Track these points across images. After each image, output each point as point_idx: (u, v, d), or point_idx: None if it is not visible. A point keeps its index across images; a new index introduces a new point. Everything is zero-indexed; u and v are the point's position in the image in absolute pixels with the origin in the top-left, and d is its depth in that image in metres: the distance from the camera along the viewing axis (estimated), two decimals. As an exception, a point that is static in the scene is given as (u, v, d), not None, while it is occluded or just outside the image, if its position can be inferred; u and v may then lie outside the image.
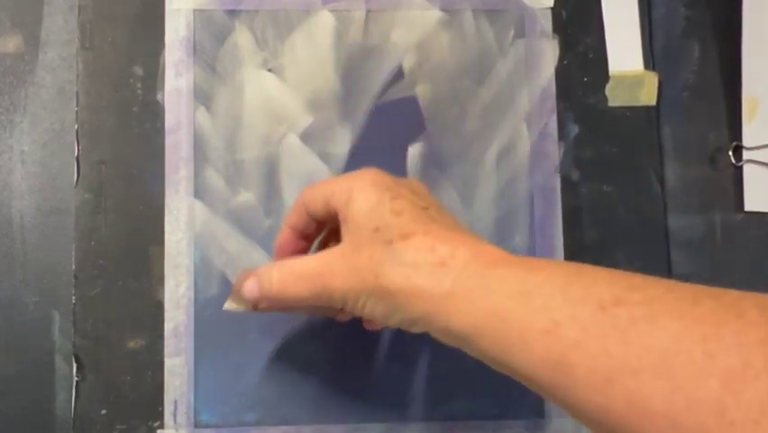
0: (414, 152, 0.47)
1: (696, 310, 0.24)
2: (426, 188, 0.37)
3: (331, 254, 0.34)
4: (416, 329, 0.32)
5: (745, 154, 0.49)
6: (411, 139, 0.47)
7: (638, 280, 0.27)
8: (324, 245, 0.40)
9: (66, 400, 0.44)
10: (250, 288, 0.36)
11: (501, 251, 0.31)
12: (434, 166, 0.47)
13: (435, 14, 0.48)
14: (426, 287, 0.30)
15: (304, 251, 0.39)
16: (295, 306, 0.37)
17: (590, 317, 0.25)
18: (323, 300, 0.34)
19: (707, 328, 0.23)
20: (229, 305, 0.40)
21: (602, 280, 0.26)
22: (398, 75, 0.48)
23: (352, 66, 0.48)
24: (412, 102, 0.47)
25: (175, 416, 0.44)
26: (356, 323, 0.44)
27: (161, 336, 0.45)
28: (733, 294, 0.25)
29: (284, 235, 0.39)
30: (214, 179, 0.46)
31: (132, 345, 0.45)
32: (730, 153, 0.49)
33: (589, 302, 0.25)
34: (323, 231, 0.40)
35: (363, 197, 0.33)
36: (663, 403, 0.23)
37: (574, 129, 0.48)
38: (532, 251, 0.47)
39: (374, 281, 0.32)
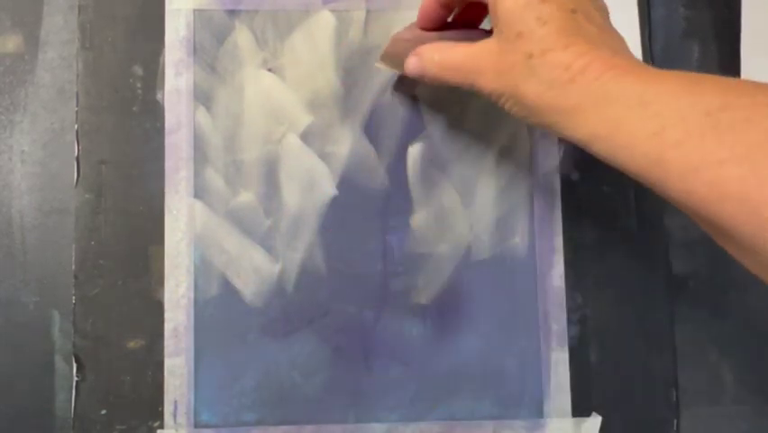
0: (414, 151, 0.47)
1: None
2: None
3: (481, 52, 0.37)
4: (551, 132, 0.36)
5: (745, 155, 0.49)
6: (411, 139, 0.47)
7: (750, 87, 0.29)
8: (462, 15, 0.43)
9: (66, 400, 0.44)
10: (414, 65, 0.41)
11: (632, 61, 0.33)
12: (434, 166, 0.47)
13: (435, 15, 0.48)
14: (556, 102, 0.33)
15: (444, 18, 0.42)
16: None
17: (696, 121, 0.28)
18: (474, 90, 0.38)
19: None
20: (381, 64, 0.45)
21: (716, 88, 0.29)
22: (398, 75, 0.48)
23: (351, 66, 0.48)
24: (412, 102, 0.47)
25: (175, 416, 0.44)
26: (356, 323, 0.45)
27: (161, 336, 0.45)
28: None
29: (426, 5, 0.42)
30: (214, 179, 0.46)
31: (132, 345, 0.45)
32: (729, 154, 0.49)
33: (698, 108, 0.28)
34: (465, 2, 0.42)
35: None
36: (739, 185, 0.27)
37: (574, 129, 0.48)
38: (532, 251, 0.47)
39: (514, 89, 0.35)
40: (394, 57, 0.44)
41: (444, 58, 0.39)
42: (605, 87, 0.31)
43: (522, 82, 0.35)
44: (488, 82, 0.37)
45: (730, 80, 0.30)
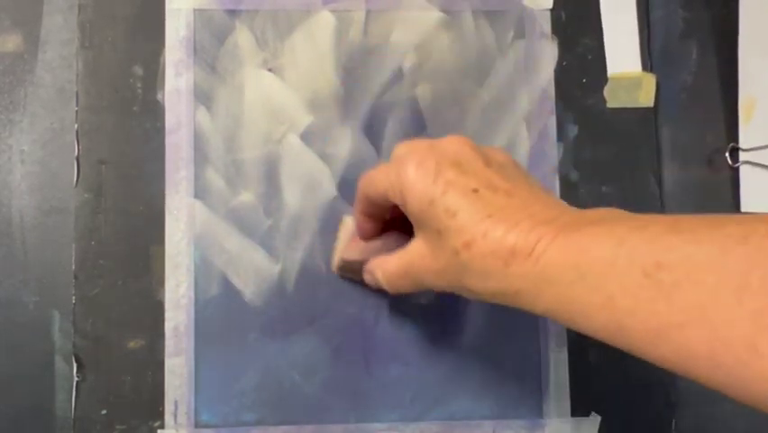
0: (414, 152, 0.47)
1: (727, 260, 0.27)
2: (466, 142, 0.36)
3: (415, 257, 0.36)
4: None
5: (742, 156, 0.49)
6: (411, 139, 0.47)
7: (671, 239, 0.29)
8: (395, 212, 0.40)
9: (66, 400, 0.44)
10: (372, 283, 0.42)
11: (551, 211, 0.33)
12: (434, 166, 0.47)
13: (435, 15, 0.48)
14: (501, 288, 0.33)
15: (378, 228, 0.42)
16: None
17: (638, 286, 0.28)
18: (427, 288, 0.38)
19: (738, 279, 0.26)
20: (340, 273, 0.46)
21: (642, 246, 0.29)
22: (398, 75, 0.48)
23: (352, 66, 0.48)
24: (412, 102, 0.48)
25: (175, 416, 0.44)
26: (356, 323, 0.45)
27: (161, 336, 0.45)
28: (747, 229, 0.27)
29: (357, 220, 0.42)
30: (214, 179, 0.46)
31: (132, 345, 0.45)
32: (727, 155, 0.49)
33: (634, 271, 0.28)
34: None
35: (415, 199, 0.35)
36: (705, 348, 0.27)
37: (573, 130, 0.48)
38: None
39: (459, 284, 0.35)
40: (348, 272, 0.45)
41: (386, 271, 0.39)
42: (540, 269, 0.31)
43: (461, 278, 0.34)
44: (434, 281, 0.36)
45: (647, 231, 0.29)
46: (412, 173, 0.35)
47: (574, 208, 0.34)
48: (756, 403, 0.27)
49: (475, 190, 0.34)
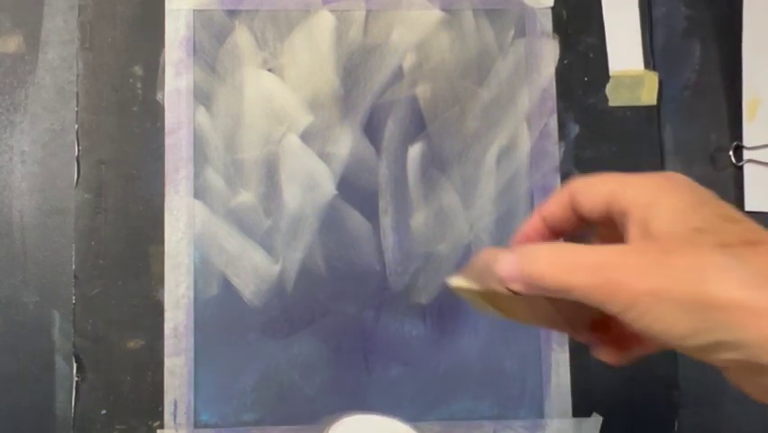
0: (414, 152, 0.47)
1: None
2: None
3: (627, 248, 0.27)
4: (723, 357, 0.25)
5: (746, 154, 0.48)
6: (411, 139, 0.47)
7: None
8: None
9: (66, 400, 0.44)
10: (506, 263, 0.29)
11: None
12: (434, 166, 0.47)
13: (435, 14, 0.48)
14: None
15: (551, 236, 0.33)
16: (552, 297, 0.29)
17: None
18: (596, 299, 0.27)
19: None
20: (458, 282, 0.32)
21: None
22: (398, 75, 0.48)
23: (352, 66, 0.48)
24: (412, 102, 0.47)
25: (175, 416, 0.44)
26: (356, 323, 0.45)
27: (161, 336, 0.45)
28: None
29: (533, 224, 0.33)
30: (214, 179, 0.46)
31: (132, 345, 0.45)
32: (731, 153, 0.49)
33: None
34: (579, 231, 0.32)
35: (677, 196, 0.27)
36: None
37: (575, 129, 0.48)
38: (532, 251, 0.47)
39: (693, 287, 0.25)
40: (475, 270, 0.32)
41: (560, 252, 0.28)
42: None
43: (713, 277, 0.25)
44: (639, 280, 0.26)
45: None
46: (677, 180, 0.29)
47: None
48: None
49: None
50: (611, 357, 0.32)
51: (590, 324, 0.31)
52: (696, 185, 0.28)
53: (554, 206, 0.32)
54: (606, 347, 0.32)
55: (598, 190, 0.30)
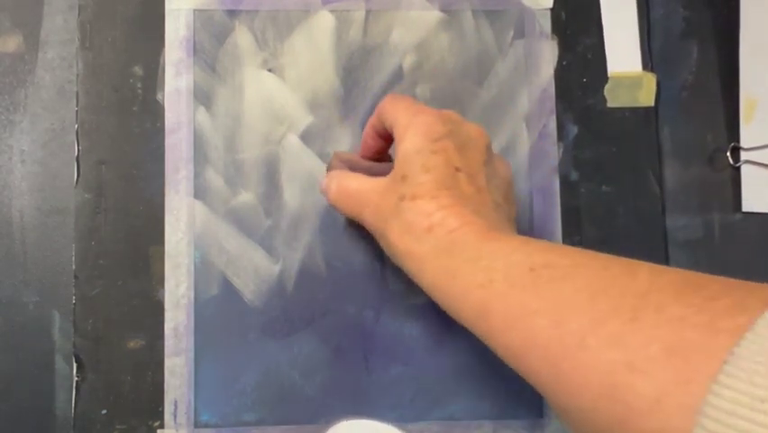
0: (414, 152, 0.47)
1: (603, 273, 0.29)
2: (485, 139, 0.39)
3: (372, 188, 0.38)
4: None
5: (743, 155, 0.49)
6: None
7: (574, 251, 0.32)
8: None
9: (66, 400, 0.44)
10: (321, 187, 0.43)
11: (486, 222, 0.35)
12: (434, 166, 0.47)
13: (435, 15, 0.48)
14: (409, 248, 0.35)
15: (383, 150, 0.43)
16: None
17: (520, 276, 0.30)
18: (358, 221, 0.40)
19: (600, 284, 0.28)
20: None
21: (543, 249, 0.32)
22: (398, 75, 0.48)
23: (352, 66, 0.48)
24: (412, 102, 0.47)
25: (175, 416, 0.44)
26: (356, 323, 0.45)
27: (161, 336, 0.45)
28: (635, 263, 0.30)
29: (366, 132, 0.43)
30: (214, 179, 0.46)
31: (132, 345, 0.45)
32: (728, 154, 0.49)
33: (524, 265, 0.31)
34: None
35: (411, 141, 0.37)
36: (545, 336, 0.28)
37: (573, 130, 0.48)
38: (531, 251, 0.47)
39: (383, 228, 0.37)
40: (329, 170, 0.45)
41: (340, 187, 0.41)
42: (452, 239, 0.34)
43: (390, 221, 0.36)
44: (368, 216, 0.38)
45: (558, 245, 0.33)
46: (423, 123, 0.37)
47: (518, 235, 0.36)
48: (564, 407, 0.28)
49: (458, 169, 0.36)
50: None
51: None
52: (438, 126, 0.37)
53: (374, 118, 0.41)
54: None
55: (388, 117, 0.39)
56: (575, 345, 0.27)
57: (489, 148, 0.39)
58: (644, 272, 0.29)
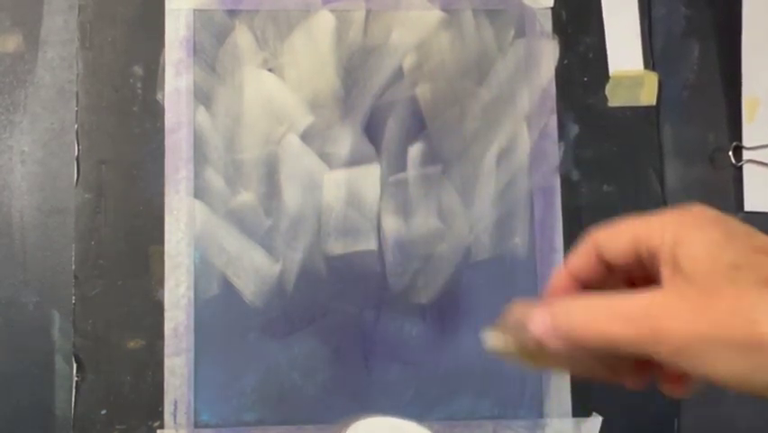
0: (414, 151, 0.47)
1: None
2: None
3: (663, 293, 0.27)
4: None
5: (745, 154, 0.49)
6: (411, 139, 0.47)
7: None
8: None
9: (66, 400, 0.44)
10: (540, 320, 0.29)
11: None
12: (434, 166, 0.47)
13: (435, 15, 0.48)
14: None
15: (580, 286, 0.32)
16: (591, 351, 0.28)
17: None
18: (640, 349, 0.26)
19: None
20: (494, 341, 0.31)
21: None
22: (398, 75, 0.48)
23: (351, 66, 0.48)
24: (412, 102, 0.47)
25: (175, 416, 0.44)
26: (356, 323, 0.45)
27: (161, 336, 0.45)
28: None
29: (560, 278, 0.32)
30: (214, 179, 0.46)
31: (132, 345, 0.45)
32: (730, 153, 0.49)
33: None
34: (608, 281, 0.31)
35: (702, 233, 0.27)
36: None
37: (574, 129, 0.48)
38: (532, 251, 0.47)
39: (745, 329, 0.25)
40: (509, 326, 0.31)
41: (595, 304, 0.28)
42: None
43: (763, 317, 0.25)
44: (684, 326, 0.25)
45: None
46: (698, 214, 0.28)
47: None
48: None
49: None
50: (674, 391, 0.30)
51: (634, 366, 0.29)
52: (721, 216, 0.28)
53: (580, 258, 0.31)
54: (663, 384, 0.30)
55: (623, 236, 0.29)
56: None
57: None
58: None
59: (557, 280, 0.32)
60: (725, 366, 0.25)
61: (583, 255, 0.31)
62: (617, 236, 0.29)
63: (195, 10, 0.47)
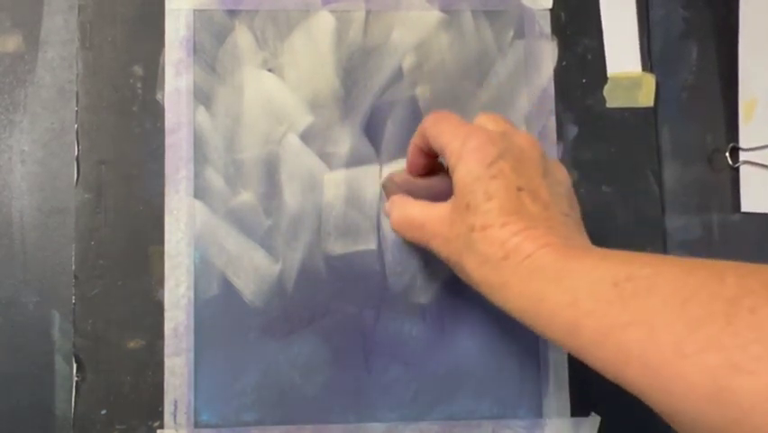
0: (414, 152, 0.47)
1: (689, 279, 0.29)
2: (538, 148, 0.38)
3: (436, 216, 0.39)
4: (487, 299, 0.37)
5: (742, 155, 0.49)
6: (411, 139, 0.47)
7: (653, 258, 0.32)
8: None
9: (66, 400, 0.44)
10: (388, 207, 0.44)
11: (560, 237, 0.35)
12: (434, 166, 0.47)
13: (435, 15, 0.48)
14: (488, 278, 0.35)
15: (429, 165, 0.43)
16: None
17: (604, 292, 0.31)
18: (424, 244, 0.40)
19: (687, 290, 0.28)
20: (382, 182, 0.47)
21: (623, 262, 0.32)
22: (398, 75, 0.48)
23: (352, 66, 0.48)
24: (412, 102, 0.48)
25: (175, 416, 0.44)
26: (356, 323, 0.45)
27: (161, 336, 0.45)
28: (720, 265, 0.30)
29: (411, 151, 0.43)
30: (214, 179, 0.46)
31: (132, 345, 0.45)
32: (727, 154, 0.49)
33: (606, 280, 0.31)
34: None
35: (466, 168, 0.37)
36: (639, 347, 0.28)
37: (573, 130, 0.48)
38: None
39: (458, 258, 0.37)
40: (386, 193, 0.46)
41: (402, 216, 0.41)
42: (532, 264, 0.34)
43: (464, 253, 0.36)
44: (439, 246, 0.39)
45: (636, 254, 0.33)
46: (476, 149, 0.37)
47: (590, 245, 0.36)
48: (671, 412, 0.28)
49: (519, 189, 0.36)
50: None
51: None
52: (491, 146, 0.37)
53: (418, 138, 0.42)
54: None
55: (436, 142, 0.39)
56: (672, 353, 0.27)
57: (543, 156, 0.38)
58: (730, 275, 0.28)
59: (409, 153, 0.43)
60: (457, 272, 0.38)
61: (419, 136, 0.41)
62: (434, 139, 0.40)
63: (195, 10, 0.47)
